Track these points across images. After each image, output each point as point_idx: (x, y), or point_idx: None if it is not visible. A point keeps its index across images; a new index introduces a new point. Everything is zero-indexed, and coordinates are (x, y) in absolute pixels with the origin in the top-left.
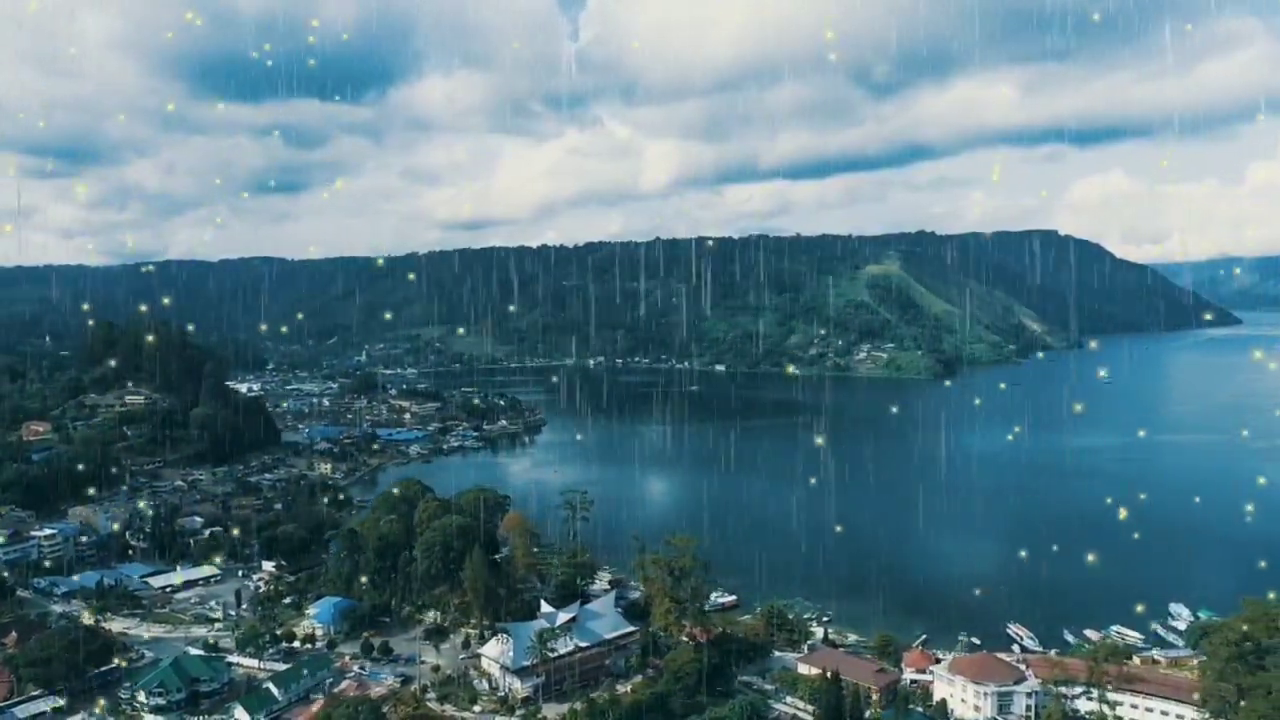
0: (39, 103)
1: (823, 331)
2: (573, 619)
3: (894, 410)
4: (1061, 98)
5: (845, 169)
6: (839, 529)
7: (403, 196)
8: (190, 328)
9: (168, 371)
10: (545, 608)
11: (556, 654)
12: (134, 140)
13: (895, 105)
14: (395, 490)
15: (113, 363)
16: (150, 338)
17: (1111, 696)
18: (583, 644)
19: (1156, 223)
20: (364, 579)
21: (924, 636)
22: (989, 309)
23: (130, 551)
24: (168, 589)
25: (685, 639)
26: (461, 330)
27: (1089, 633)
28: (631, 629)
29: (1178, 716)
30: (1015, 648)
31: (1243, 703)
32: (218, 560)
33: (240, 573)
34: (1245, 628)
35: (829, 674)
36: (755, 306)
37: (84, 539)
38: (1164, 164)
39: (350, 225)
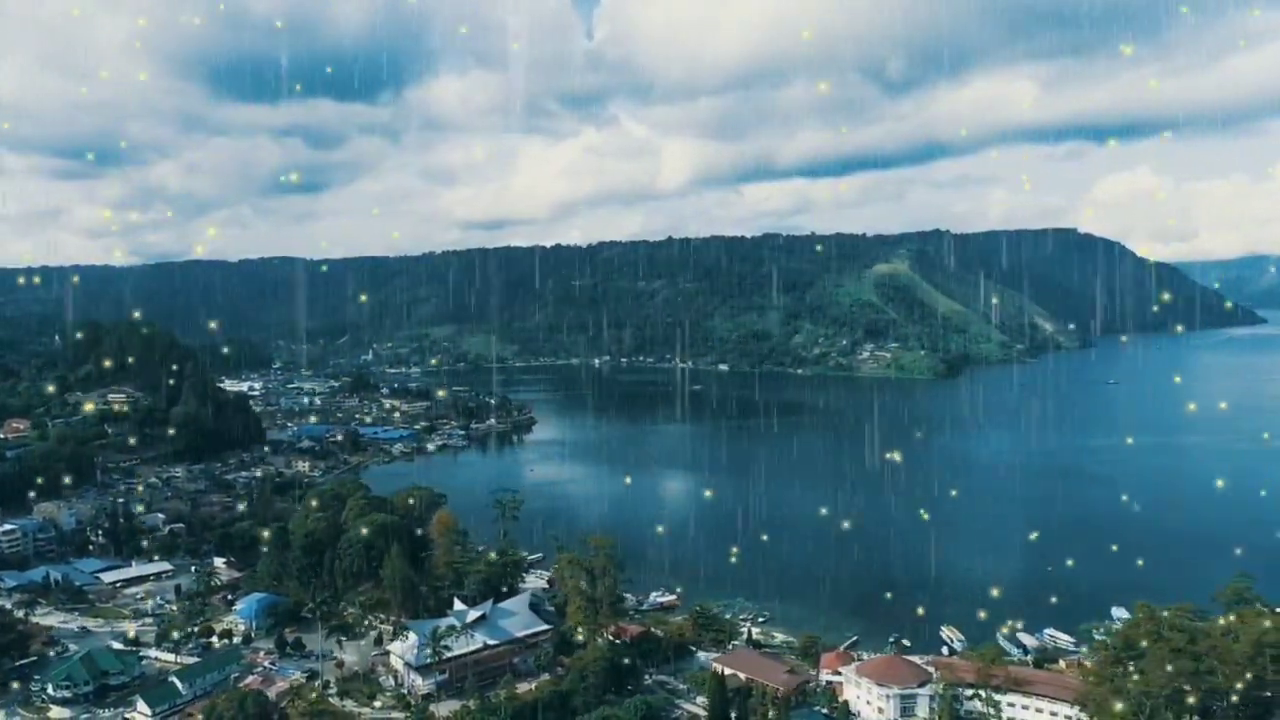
0: (62, 105)
1: (828, 331)
2: (482, 617)
3: (885, 411)
4: (1082, 94)
5: (865, 167)
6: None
7: (421, 196)
8: (172, 329)
9: (151, 371)
10: (458, 605)
11: (452, 652)
12: (156, 141)
13: (914, 102)
14: (328, 488)
15: (103, 362)
16: (134, 338)
17: (999, 698)
18: (491, 642)
19: (1183, 220)
20: (290, 575)
21: (854, 638)
22: (1000, 308)
23: (90, 547)
24: (117, 584)
25: (610, 637)
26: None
27: (1023, 636)
28: (545, 628)
29: (1062, 715)
30: (944, 650)
31: (1118, 704)
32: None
33: (193, 568)
34: (1129, 632)
35: (716, 674)
36: (761, 306)
37: (42, 535)
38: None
39: (369, 225)
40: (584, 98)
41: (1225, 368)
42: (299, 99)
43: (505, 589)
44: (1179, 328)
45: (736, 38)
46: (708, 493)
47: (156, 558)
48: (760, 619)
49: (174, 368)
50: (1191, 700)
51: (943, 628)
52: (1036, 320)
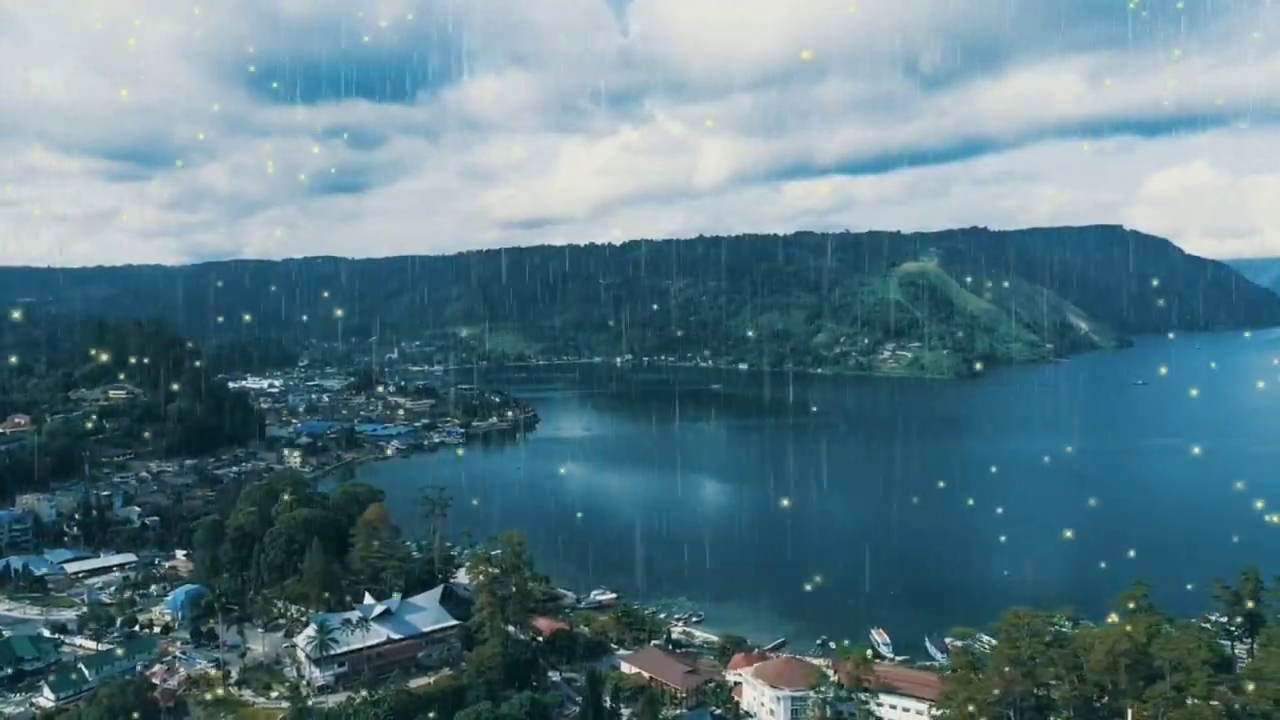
0: (112, 110)
1: (850, 330)
2: (386, 611)
3: (891, 411)
4: (1131, 87)
5: (906, 163)
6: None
7: (460, 196)
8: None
9: (153, 368)
10: (368, 599)
11: (341, 646)
12: (202, 144)
13: (954, 97)
14: (264, 483)
15: (105, 360)
16: (136, 336)
17: (868, 698)
18: (395, 636)
19: (1241, 216)
20: (222, 568)
21: (783, 640)
22: (1033, 307)
23: (64, 539)
24: (79, 574)
25: (532, 633)
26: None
27: (949, 640)
28: (453, 623)
29: (925, 713)
30: (868, 652)
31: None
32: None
33: (155, 560)
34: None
35: (592, 673)
36: (785, 305)
37: (19, 526)
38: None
39: (411, 225)
40: (620, 96)
41: (1267, 369)
42: (339, 101)
43: (441, 581)
44: (1232, 326)
45: (772, 32)
46: (687, 491)
47: (125, 549)
48: (694, 619)
49: (174, 365)
50: (1040, 706)
51: (873, 630)
52: (1072, 319)
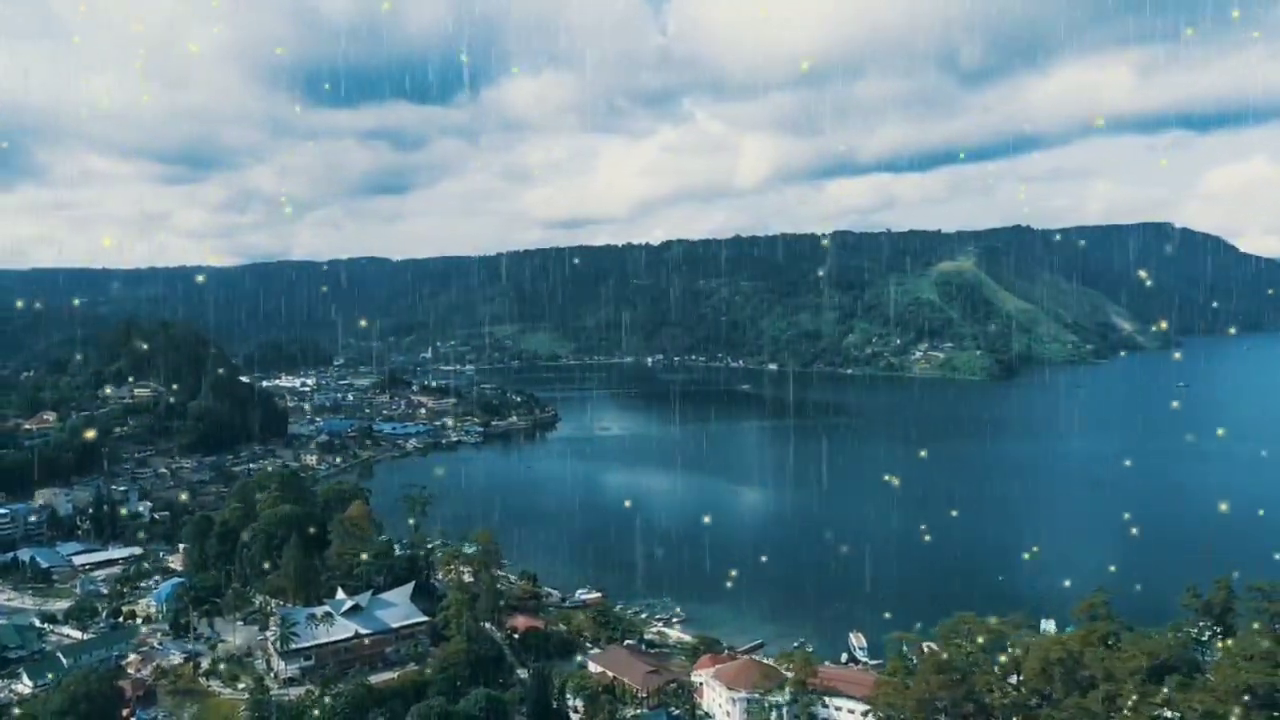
0: (163, 114)
1: (882, 331)
2: (356, 606)
3: (906, 413)
4: (1186, 80)
5: (951, 161)
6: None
7: (501, 197)
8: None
9: (178, 366)
10: (339, 594)
11: (302, 641)
12: (250, 146)
13: (999, 93)
14: (253, 479)
15: (133, 358)
16: (161, 336)
17: (818, 700)
18: (364, 631)
19: None
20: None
21: (760, 641)
22: (1075, 307)
23: (78, 532)
24: (85, 566)
25: (509, 630)
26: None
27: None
28: (423, 619)
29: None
30: (843, 655)
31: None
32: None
33: (160, 553)
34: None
35: (540, 672)
36: (817, 305)
37: (34, 519)
38: None
39: (452, 225)
40: (659, 95)
41: None
42: (381, 103)
43: (424, 578)
44: None
45: (811, 29)
46: (691, 492)
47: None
48: (675, 619)
49: (198, 364)
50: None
51: (850, 634)
52: (1115, 319)
